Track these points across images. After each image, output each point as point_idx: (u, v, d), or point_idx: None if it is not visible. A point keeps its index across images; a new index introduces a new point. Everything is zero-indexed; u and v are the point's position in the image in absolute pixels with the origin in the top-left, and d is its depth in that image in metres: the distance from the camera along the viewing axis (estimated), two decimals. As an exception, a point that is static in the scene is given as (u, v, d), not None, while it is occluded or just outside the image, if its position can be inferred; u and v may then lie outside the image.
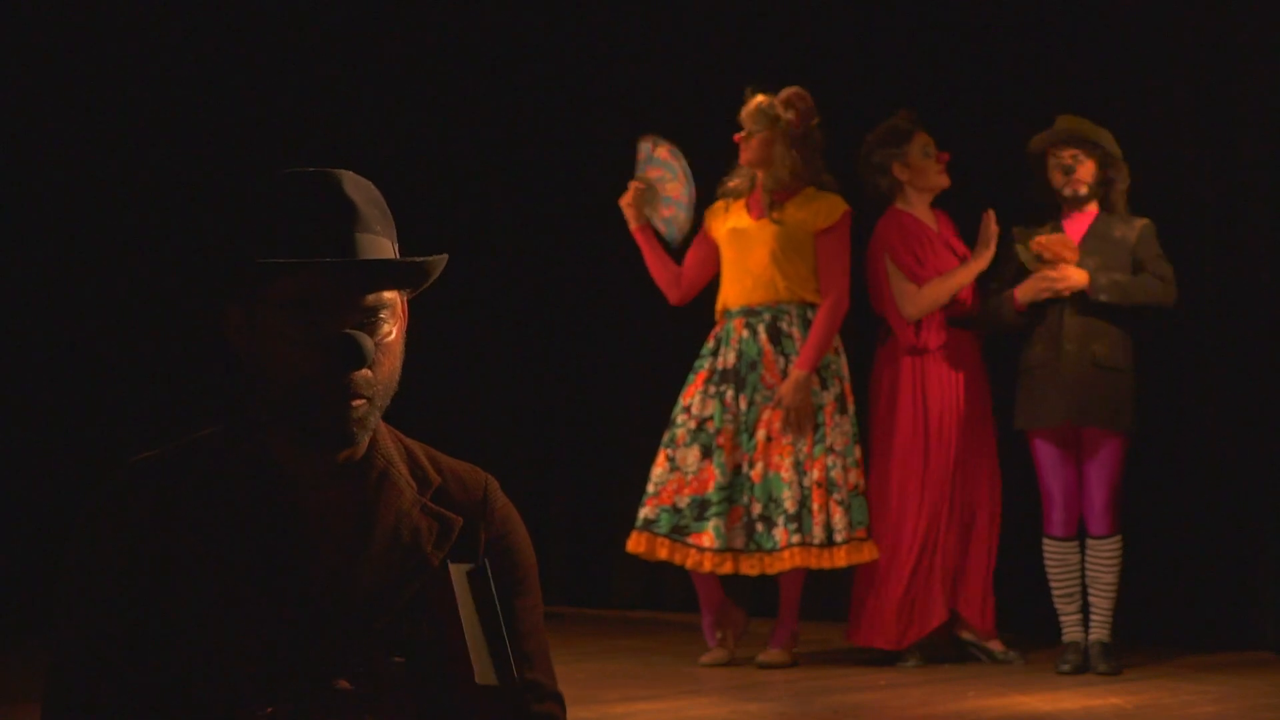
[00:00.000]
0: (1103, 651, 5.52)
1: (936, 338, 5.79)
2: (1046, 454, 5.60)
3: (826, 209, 5.70)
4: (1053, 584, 5.66)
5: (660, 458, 5.71)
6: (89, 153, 6.67)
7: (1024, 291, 5.56)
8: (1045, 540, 5.66)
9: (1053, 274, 5.50)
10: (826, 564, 5.62)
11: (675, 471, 5.67)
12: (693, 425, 5.68)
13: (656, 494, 5.67)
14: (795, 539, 5.57)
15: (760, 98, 5.70)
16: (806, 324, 5.69)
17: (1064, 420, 5.51)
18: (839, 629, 6.31)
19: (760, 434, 5.63)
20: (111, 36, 6.72)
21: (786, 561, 5.58)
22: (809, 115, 5.71)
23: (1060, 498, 5.60)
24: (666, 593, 7.36)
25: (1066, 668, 5.51)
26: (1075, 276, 5.48)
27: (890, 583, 5.73)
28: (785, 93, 5.71)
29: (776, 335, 5.68)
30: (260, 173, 1.86)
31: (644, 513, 5.68)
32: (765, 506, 5.60)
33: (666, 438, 5.72)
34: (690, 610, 6.69)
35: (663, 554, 5.66)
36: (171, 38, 6.85)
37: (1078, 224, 5.66)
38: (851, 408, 5.75)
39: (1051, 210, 5.72)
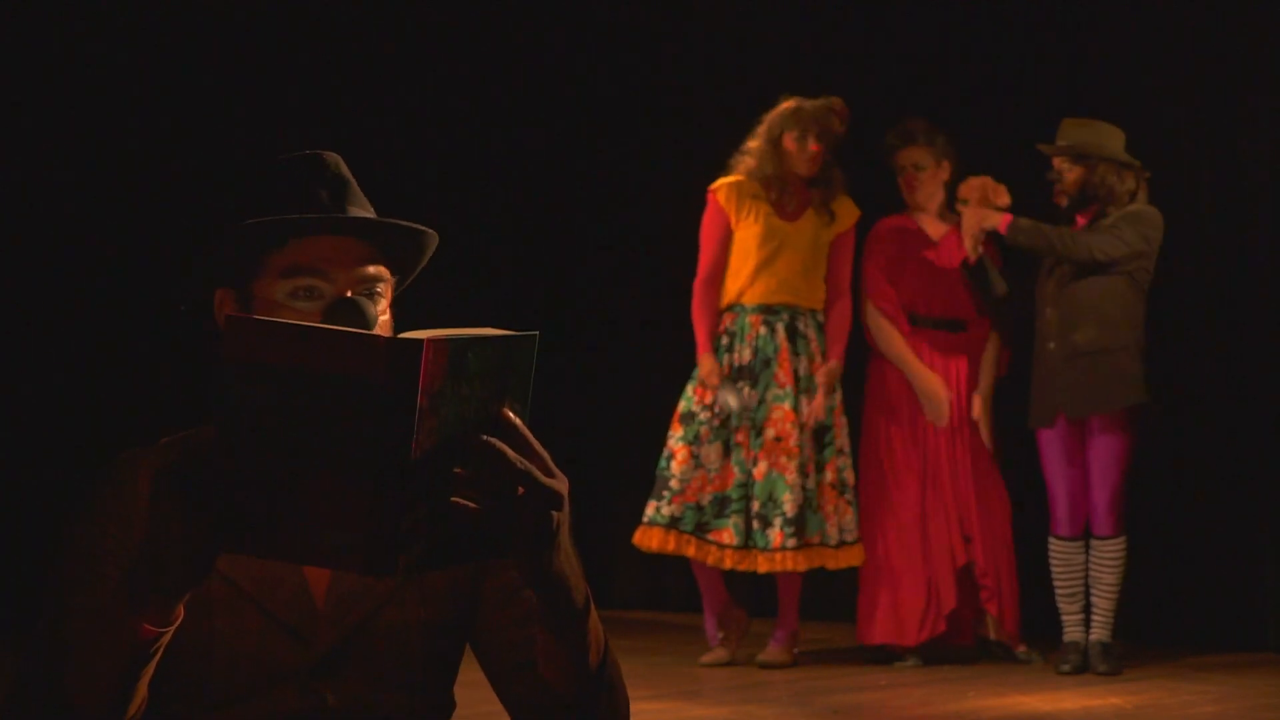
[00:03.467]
0: (1103, 651, 5.52)
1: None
2: (1052, 453, 5.61)
3: (844, 213, 5.81)
4: (1056, 584, 5.66)
5: (682, 454, 5.70)
6: (83, 150, 6.67)
7: (966, 249, 5.68)
8: (1051, 540, 5.66)
9: (972, 213, 5.63)
10: (839, 564, 5.68)
11: (699, 468, 5.68)
12: (716, 422, 5.69)
13: (681, 490, 5.67)
14: (791, 542, 5.57)
15: (820, 105, 5.71)
16: (818, 327, 5.77)
17: (1058, 415, 5.54)
18: (839, 629, 6.31)
19: (769, 433, 5.65)
20: (100, 32, 6.71)
21: (778, 563, 5.58)
22: (846, 126, 5.78)
23: (1065, 498, 5.60)
24: (668, 593, 7.36)
25: (1066, 668, 5.51)
26: (994, 218, 5.60)
27: (906, 581, 5.74)
28: (836, 104, 5.72)
29: (794, 335, 5.72)
30: (250, 158, 1.85)
31: (669, 510, 5.67)
32: (764, 505, 5.61)
33: (688, 434, 5.71)
34: (691, 610, 6.69)
35: (689, 551, 5.67)
36: (160, 36, 6.83)
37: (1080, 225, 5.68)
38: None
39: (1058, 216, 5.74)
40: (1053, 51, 6.53)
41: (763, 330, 5.72)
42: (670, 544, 5.67)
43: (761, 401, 5.68)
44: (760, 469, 5.63)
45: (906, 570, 5.77)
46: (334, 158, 1.87)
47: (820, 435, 5.69)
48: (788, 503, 5.59)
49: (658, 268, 7.13)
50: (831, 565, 5.68)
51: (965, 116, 6.44)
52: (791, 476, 5.61)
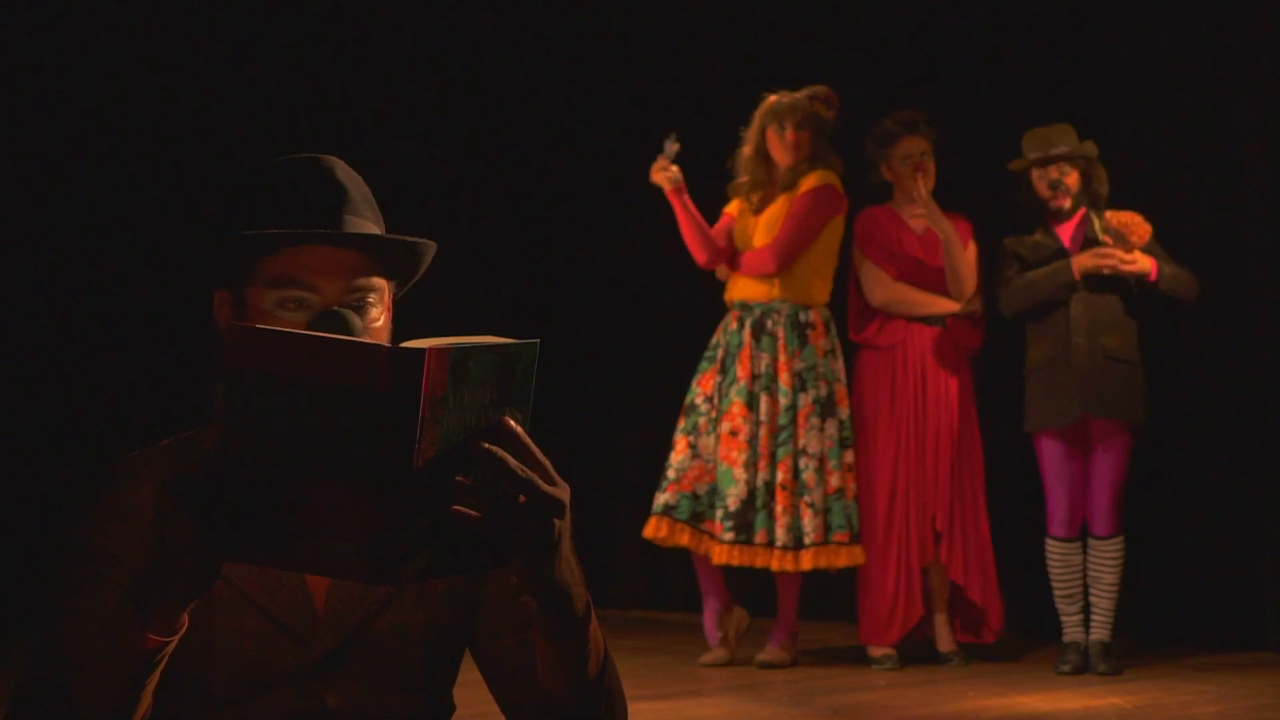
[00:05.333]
0: (1103, 651, 5.52)
1: (890, 336, 5.81)
2: (1054, 454, 5.58)
3: (807, 180, 5.70)
4: (1055, 585, 5.65)
5: (681, 444, 5.72)
6: (84, 150, 6.67)
7: (1083, 263, 5.50)
8: (1048, 541, 5.65)
9: (1126, 256, 5.49)
10: (790, 566, 5.59)
11: (697, 459, 5.70)
12: (714, 414, 5.70)
13: (677, 480, 5.68)
14: (728, 536, 5.57)
15: (799, 96, 5.71)
16: (795, 324, 5.70)
17: (1080, 416, 5.49)
18: (839, 629, 6.31)
19: (724, 426, 5.65)
20: (102, 32, 6.71)
21: (719, 556, 5.57)
22: (836, 111, 5.76)
23: (1065, 498, 5.59)
24: (667, 592, 7.36)
25: (1066, 668, 5.51)
26: (1144, 262, 5.49)
27: (886, 582, 5.72)
28: (821, 92, 5.72)
29: (759, 331, 5.71)
30: (251, 159, 1.84)
31: (664, 498, 5.67)
32: (715, 497, 5.63)
33: (687, 425, 5.73)
34: (691, 610, 6.69)
35: (684, 540, 5.66)
36: (161, 36, 6.83)
37: (1067, 228, 5.67)
38: (844, 411, 5.73)
39: (1036, 217, 5.71)
40: (1049, 51, 6.53)
41: (734, 327, 5.75)
42: (663, 531, 5.66)
43: (725, 396, 5.69)
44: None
45: (885, 573, 5.73)
46: (333, 162, 1.86)
47: (777, 434, 5.67)
48: (730, 497, 5.59)
49: (657, 267, 7.13)
50: (776, 566, 5.58)
51: (961, 116, 6.44)
52: (738, 471, 5.60)
